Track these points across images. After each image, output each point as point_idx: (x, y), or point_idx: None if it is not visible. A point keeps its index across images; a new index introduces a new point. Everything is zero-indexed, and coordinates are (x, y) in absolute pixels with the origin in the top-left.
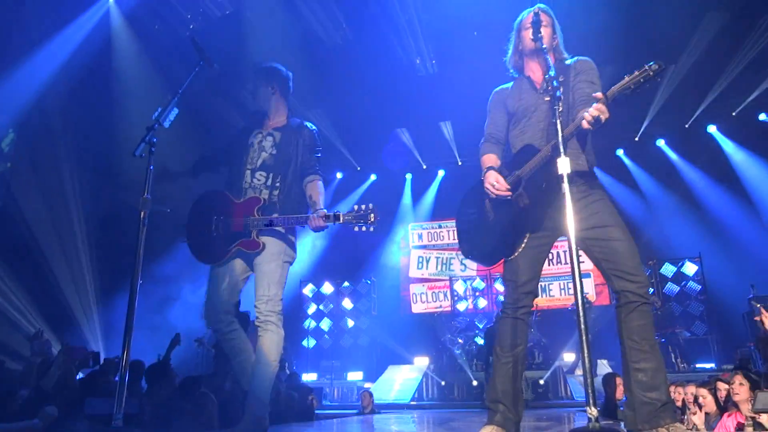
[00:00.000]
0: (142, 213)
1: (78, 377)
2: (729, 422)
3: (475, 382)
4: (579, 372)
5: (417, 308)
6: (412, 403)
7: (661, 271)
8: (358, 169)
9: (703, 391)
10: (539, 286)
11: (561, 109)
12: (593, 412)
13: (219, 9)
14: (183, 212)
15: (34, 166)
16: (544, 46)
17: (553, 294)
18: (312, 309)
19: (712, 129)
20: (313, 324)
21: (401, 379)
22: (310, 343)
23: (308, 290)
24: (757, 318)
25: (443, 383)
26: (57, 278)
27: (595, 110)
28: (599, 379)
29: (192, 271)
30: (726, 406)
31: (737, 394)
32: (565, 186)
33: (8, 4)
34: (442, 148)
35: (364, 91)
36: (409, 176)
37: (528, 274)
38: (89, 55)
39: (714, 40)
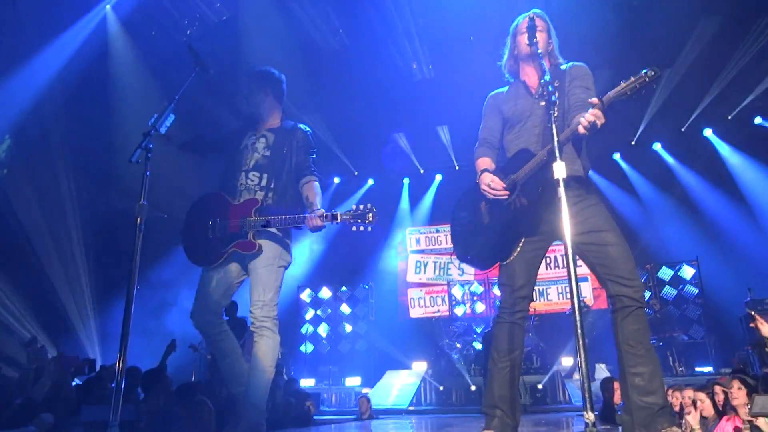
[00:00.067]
0: (139, 219)
1: (75, 384)
2: (728, 426)
3: (473, 387)
4: (577, 376)
5: (415, 313)
6: (410, 408)
7: (658, 274)
8: (356, 173)
9: (701, 395)
10: (537, 290)
11: (556, 114)
12: (590, 417)
13: (216, 15)
14: (180, 218)
15: (31, 172)
16: (539, 50)
17: (551, 298)
18: (310, 314)
19: (708, 132)
20: (310, 329)
21: (399, 384)
22: (307, 348)
23: (306, 295)
24: (752, 324)
25: (441, 388)
26: (54, 284)
27: (591, 115)
28: (597, 384)
29: (189, 277)
30: (725, 410)
31: (735, 398)
32: (561, 190)
33: (4, 9)
34: (439, 152)
35: (361, 96)
36: (406, 180)
37: (524, 278)
38: (86, 61)
39: (709, 43)
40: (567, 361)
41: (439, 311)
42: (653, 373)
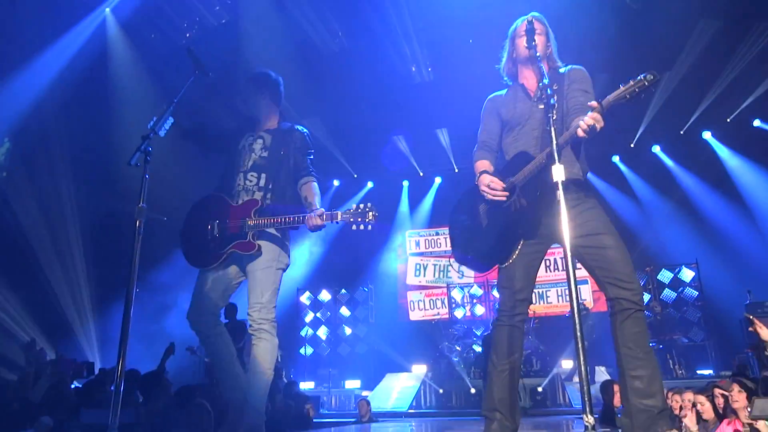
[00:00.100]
0: (138, 222)
1: (74, 387)
2: (728, 429)
3: (473, 390)
4: (577, 379)
5: (414, 316)
6: (410, 411)
7: (658, 277)
8: (355, 176)
9: (701, 398)
10: (536, 292)
11: (555, 117)
12: (590, 420)
13: (215, 18)
14: (179, 220)
15: (30, 175)
16: (538, 54)
17: (551, 301)
18: (309, 317)
19: (707, 135)
20: (310, 332)
21: (399, 387)
22: (307, 351)
23: (305, 298)
24: (751, 329)
25: (441, 391)
26: (53, 287)
27: (591, 119)
28: (597, 386)
29: (189, 280)
30: (725, 413)
31: (736, 401)
32: (560, 193)
33: (4, 13)
34: (438, 155)
35: (360, 99)
36: (406, 183)
37: (523, 281)
38: (85, 64)
39: (708, 46)
40: (567, 364)
41: (438, 314)
42: (652, 376)
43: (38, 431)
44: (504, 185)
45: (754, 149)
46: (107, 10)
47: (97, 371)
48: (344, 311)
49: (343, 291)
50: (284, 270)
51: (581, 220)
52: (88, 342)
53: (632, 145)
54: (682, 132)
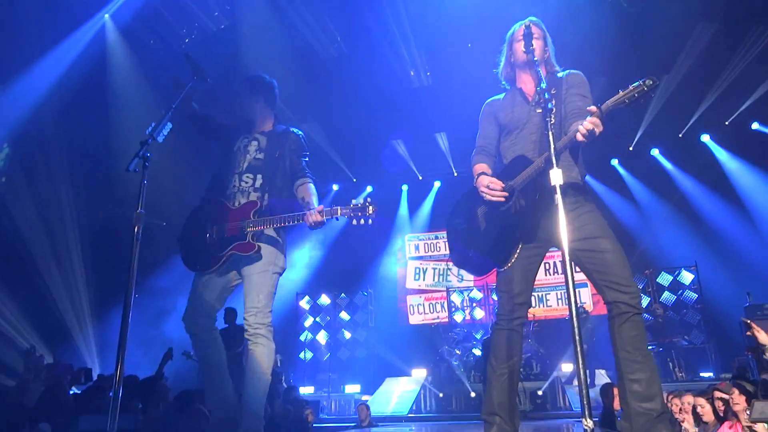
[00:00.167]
0: (136, 228)
1: (72, 393)
2: None
3: (473, 394)
4: (577, 382)
5: (414, 320)
6: (410, 415)
7: (657, 280)
8: (354, 180)
9: (701, 401)
10: (536, 296)
11: (553, 121)
12: (589, 423)
13: (214, 23)
14: (178, 225)
15: (29, 180)
16: (535, 58)
17: (551, 304)
18: (309, 321)
19: (705, 138)
20: (309, 336)
21: (399, 392)
22: (306, 355)
23: (305, 302)
24: (749, 333)
25: (441, 395)
26: (52, 293)
27: (590, 123)
28: (597, 389)
29: (187, 285)
30: (726, 415)
31: (737, 404)
32: (558, 197)
33: (3, 18)
34: (437, 159)
35: (359, 103)
36: (405, 187)
37: (521, 285)
38: (85, 70)
39: (706, 50)
40: (567, 367)
41: (438, 318)
42: (651, 379)
43: None
44: (503, 184)
45: (752, 152)
46: (106, 15)
47: (95, 377)
48: (344, 315)
49: (343, 295)
50: (280, 274)
51: (579, 224)
52: (87, 347)
53: (631, 148)
54: (680, 135)
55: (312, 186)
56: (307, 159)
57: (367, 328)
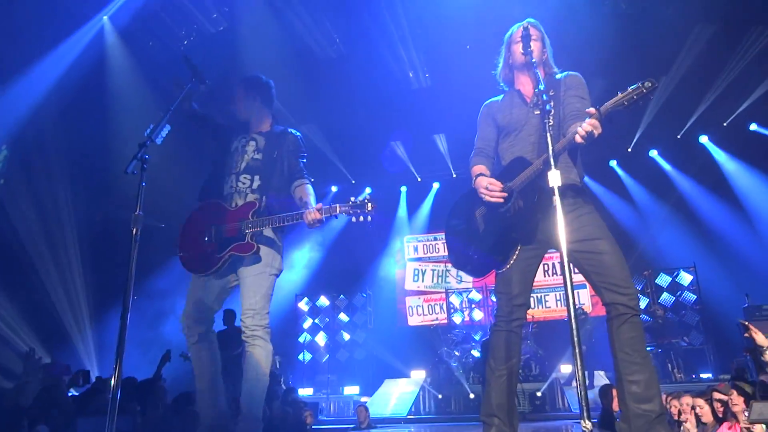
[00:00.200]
0: (134, 230)
1: (71, 395)
2: None
3: (472, 395)
4: (576, 384)
5: (413, 321)
6: (409, 417)
7: (656, 281)
8: (353, 182)
9: (700, 401)
10: (535, 297)
11: (552, 122)
12: (587, 425)
13: (213, 25)
14: (177, 227)
15: (28, 182)
16: (533, 60)
17: (549, 305)
18: (308, 323)
19: (703, 139)
20: (308, 338)
21: (398, 393)
22: (305, 357)
23: (303, 304)
24: (746, 335)
25: (440, 396)
26: (50, 295)
27: (589, 125)
28: (596, 391)
29: (186, 285)
30: (725, 416)
31: (736, 404)
32: (556, 199)
33: (2, 20)
34: (436, 160)
35: (357, 105)
36: (404, 189)
37: (520, 287)
38: (83, 72)
39: (704, 51)
40: (566, 369)
41: (437, 319)
42: (649, 380)
43: None
44: (502, 185)
45: (750, 153)
46: (105, 17)
47: (94, 379)
48: (343, 317)
49: (342, 297)
50: (277, 275)
51: (577, 225)
52: (85, 349)
53: (629, 150)
54: (679, 136)
55: (309, 187)
56: (305, 160)
57: (366, 330)
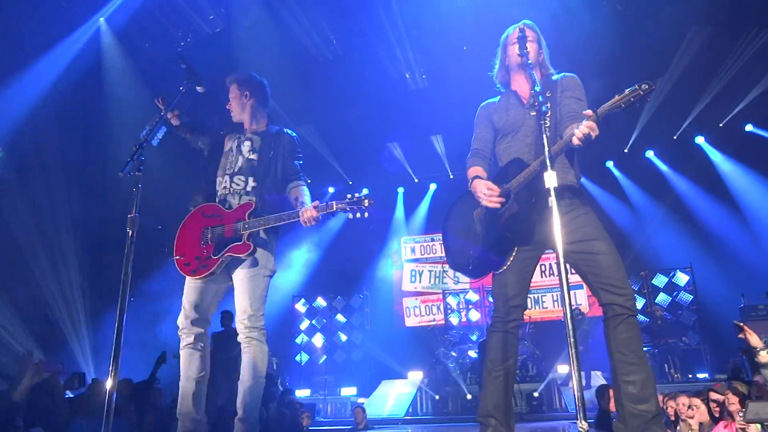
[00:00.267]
0: (130, 232)
1: (68, 397)
2: None
3: (469, 396)
4: (572, 384)
5: (410, 322)
6: (407, 417)
7: (652, 281)
8: (350, 183)
9: (696, 401)
10: (532, 298)
11: (548, 124)
12: (584, 425)
13: (209, 26)
14: (173, 229)
15: (23, 184)
16: (530, 61)
17: (546, 306)
18: (305, 324)
19: (699, 140)
20: (305, 339)
21: (395, 394)
22: (302, 358)
23: (301, 305)
24: (741, 336)
25: (437, 397)
26: (46, 297)
27: (586, 127)
28: (593, 391)
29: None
30: (721, 415)
31: (732, 404)
32: (553, 200)
33: None
34: (433, 161)
35: (354, 106)
36: (401, 190)
37: (517, 288)
38: (79, 73)
39: (700, 52)
40: (563, 369)
41: (434, 320)
42: (646, 381)
43: None
44: (500, 190)
45: (746, 154)
46: (101, 19)
47: (90, 380)
48: (340, 318)
49: (339, 298)
50: (271, 277)
51: (574, 226)
52: (81, 351)
53: (626, 150)
54: (675, 137)
55: (305, 188)
56: (300, 161)
57: (363, 331)
